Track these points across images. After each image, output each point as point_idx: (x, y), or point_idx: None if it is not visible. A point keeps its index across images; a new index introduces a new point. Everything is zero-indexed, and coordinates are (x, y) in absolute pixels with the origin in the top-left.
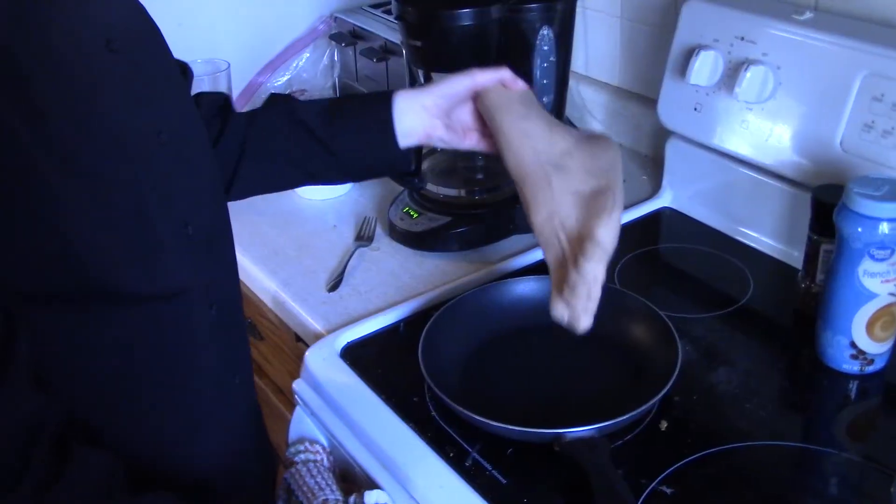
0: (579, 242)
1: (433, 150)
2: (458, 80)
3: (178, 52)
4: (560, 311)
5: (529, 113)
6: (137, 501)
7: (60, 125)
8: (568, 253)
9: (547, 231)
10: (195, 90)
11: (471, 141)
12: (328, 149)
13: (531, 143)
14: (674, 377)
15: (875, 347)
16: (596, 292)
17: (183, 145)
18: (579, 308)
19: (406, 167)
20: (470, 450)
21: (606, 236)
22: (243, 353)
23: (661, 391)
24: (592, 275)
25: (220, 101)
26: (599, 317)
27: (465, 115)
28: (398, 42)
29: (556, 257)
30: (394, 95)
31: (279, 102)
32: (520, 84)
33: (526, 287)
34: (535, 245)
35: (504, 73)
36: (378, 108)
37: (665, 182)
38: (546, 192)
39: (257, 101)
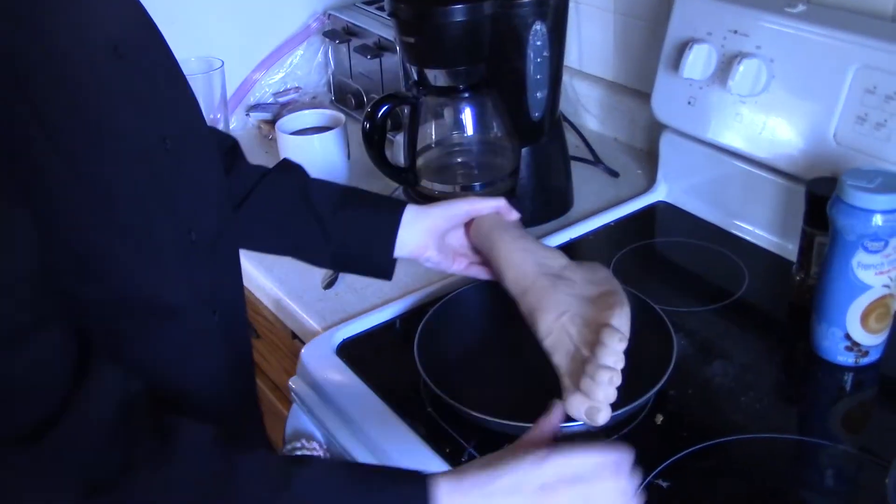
0: (594, 333)
1: (428, 146)
2: (457, 205)
3: (172, 50)
4: (578, 406)
5: (525, 235)
6: (238, 456)
7: (68, 128)
8: (582, 344)
9: (556, 330)
10: (192, 88)
11: (459, 265)
12: (326, 235)
13: (532, 256)
14: (669, 371)
15: (869, 339)
16: (617, 379)
17: (188, 151)
18: (600, 397)
19: (385, 276)
20: (466, 445)
21: (623, 324)
22: (246, 356)
23: (656, 385)
24: (613, 360)
25: (229, 142)
26: None
27: (457, 239)
28: (392, 39)
29: (567, 354)
30: (405, 208)
31: (294, 171)
32: (514, 214)
33: None
34: None
35: (500, 202)
36: (387, 215)
37: (660, 176)
38: (552, 295)
39: (251, 99)
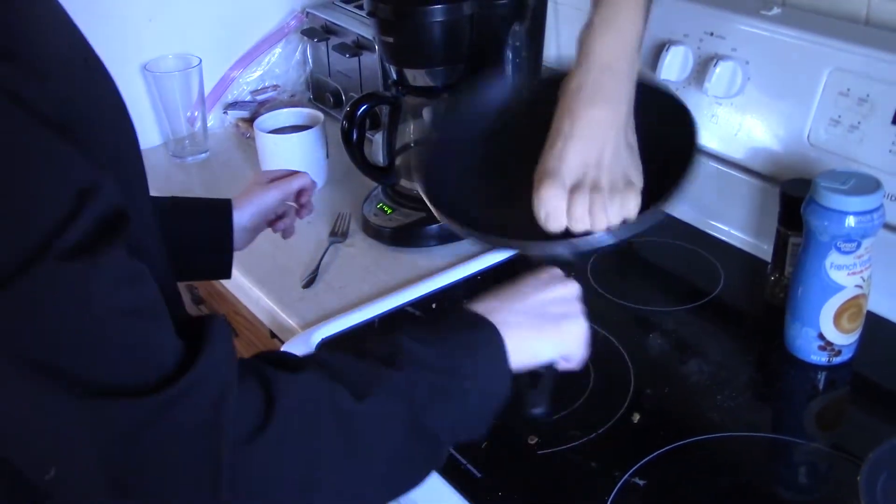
0: (615, 178)
1: (407, 146)
2: (269, 196)
3: (149, 47)
4: (551, 197)
5: None
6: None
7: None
8: (600, 175)
9: (600, 133)
10: (169, 86)
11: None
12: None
13: None
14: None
15: (842, 339)
16: (599, 229)
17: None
18: (578, 217)
19: (226, 276)
20: None
21: (635, 208)
22: None
23: (632, 380)
24: (615, 214)
25: None
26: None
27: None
28: (371, 37)
29: (583, 163)
30: (230, 209)
31: None
32: (315, 184)
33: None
34: None
35: (304, 179)
36: (219, 220)
37: None
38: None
39: (229, 97)
